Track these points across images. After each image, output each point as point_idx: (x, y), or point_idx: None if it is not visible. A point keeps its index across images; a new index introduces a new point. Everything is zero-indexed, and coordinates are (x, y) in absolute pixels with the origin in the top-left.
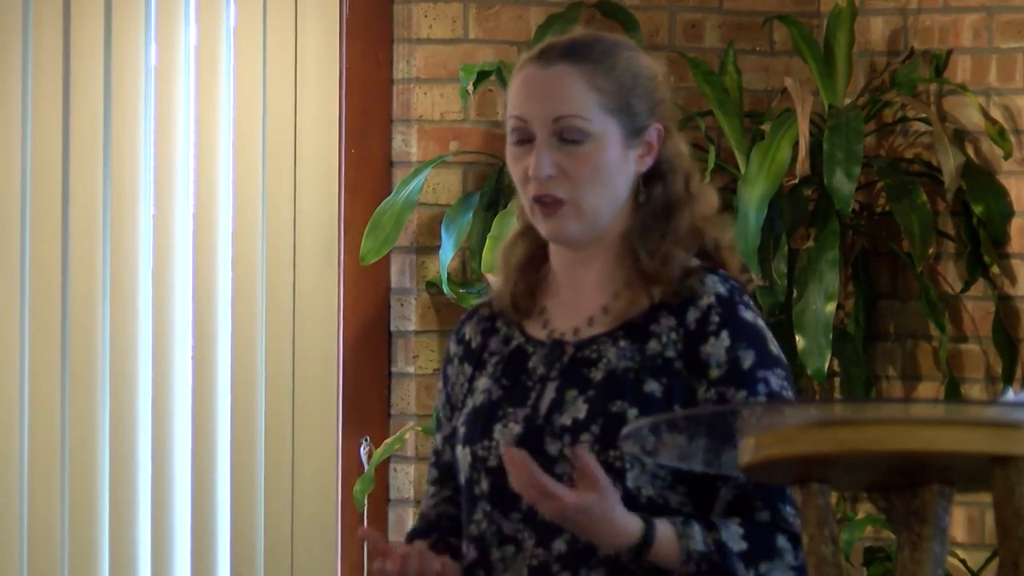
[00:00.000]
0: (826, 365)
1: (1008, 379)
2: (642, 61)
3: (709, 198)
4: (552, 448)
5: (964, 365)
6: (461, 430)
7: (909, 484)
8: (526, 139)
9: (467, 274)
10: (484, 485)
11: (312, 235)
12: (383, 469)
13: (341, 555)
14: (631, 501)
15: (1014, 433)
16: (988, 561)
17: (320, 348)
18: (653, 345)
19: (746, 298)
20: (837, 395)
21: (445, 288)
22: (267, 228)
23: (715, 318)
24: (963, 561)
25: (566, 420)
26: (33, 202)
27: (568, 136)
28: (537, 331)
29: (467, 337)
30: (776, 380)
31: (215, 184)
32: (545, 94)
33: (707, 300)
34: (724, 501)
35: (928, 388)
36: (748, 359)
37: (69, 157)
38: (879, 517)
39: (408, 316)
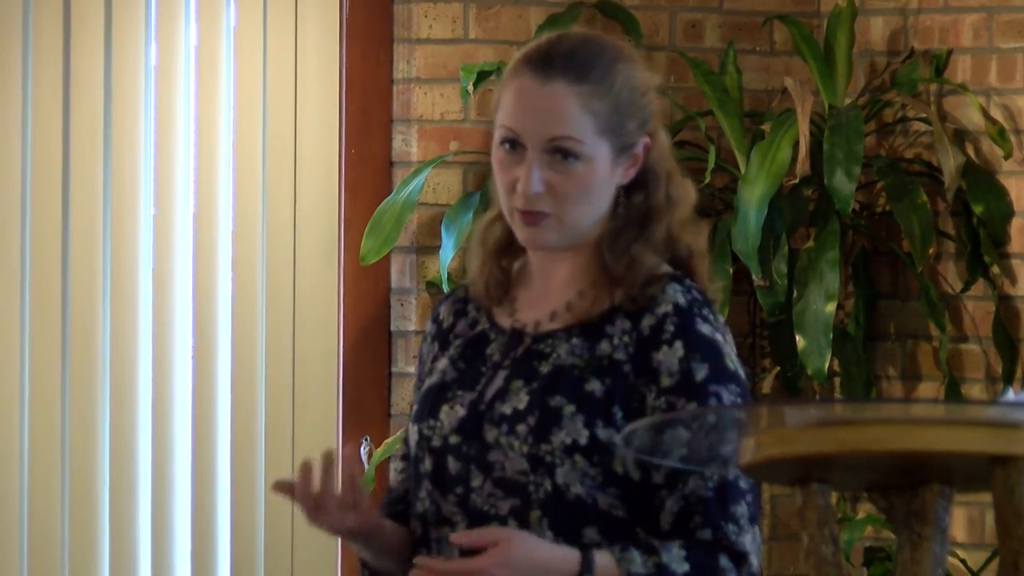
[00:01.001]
0: (826, 365)
1: (1008, 379)
2: (638, 77)
3: (687, 198)
4: (489, 435)
5: (964, 365)
6: (414, 408)
7: (909, 484)
8: (516, 147)
9: (467, 274)
10: (427, 464)
11: (312, 235)
12: (383, 469)
13: (341, 555)
14: (558, 498)
15: (1014, 433)
16: (988, 561)
17: (320, 348)
18: (604, 346)
19: (706, 311)
20: (837, 395)
21: (445, 288)
22: (267, 228)
23: (670, 327)
24: (963, 561)
25: (506, 409)
26: (33, 202)
27: (560, 156)
28: (503, 319)
29: (441, 317)
30: (728, 396)
31: (215, 184)
32: (540, 111)
33: (664, 308)
34: (671, 513)
35: (928, 388)
36: (701, 372)
37: (69, 157)
38: (879, 517)
39: (408, 316)
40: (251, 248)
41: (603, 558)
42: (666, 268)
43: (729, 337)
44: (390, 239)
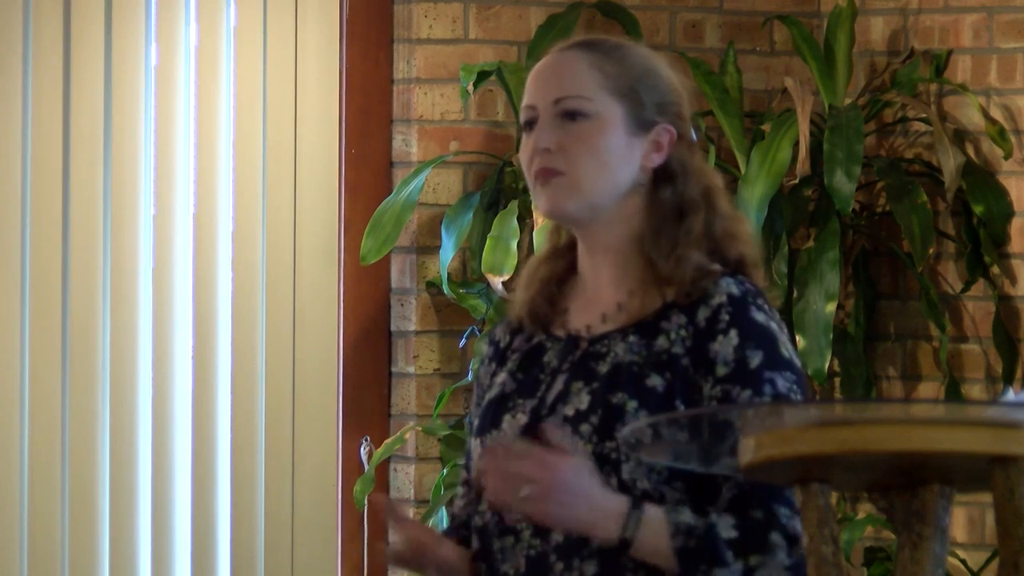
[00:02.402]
0: (826, 365)
1: (1008, 379)
2: (657, 60)
3: (740, 221)
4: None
5: (964, 365)
6: (476, 422)
7: (909, 484)
8: (532, 125)
9: (467, 274)
10: None
11: (312, 235)
12: (383, 469)
13: (341, 555)
14: (625, 493)
15: (1014, 433)
16: (988, 561)
17: (320, 348)
18: (661, 341)
19: (760, 300)
20: (837, 395)
21: (445, 288)
22: (267, 228)
23: (725, 316)
24: (963, 561)
25: (568, 410)
26: (33, 202)
27: (568, 115)
28: (558, 329)
29: (497, 338)
30: (783, 382)
31: (215, 184)
32: (550, 78)
33: (719, 299)
34: (724, 500)
35: (928, 388)
36: (756, 359)
37: (69, 157)
38: (879, 517)
39: (408, 316)
40: (251, 248)
41: (651, 507)
42: (717, 265)
43: (784, 327)
44: (390, 239)
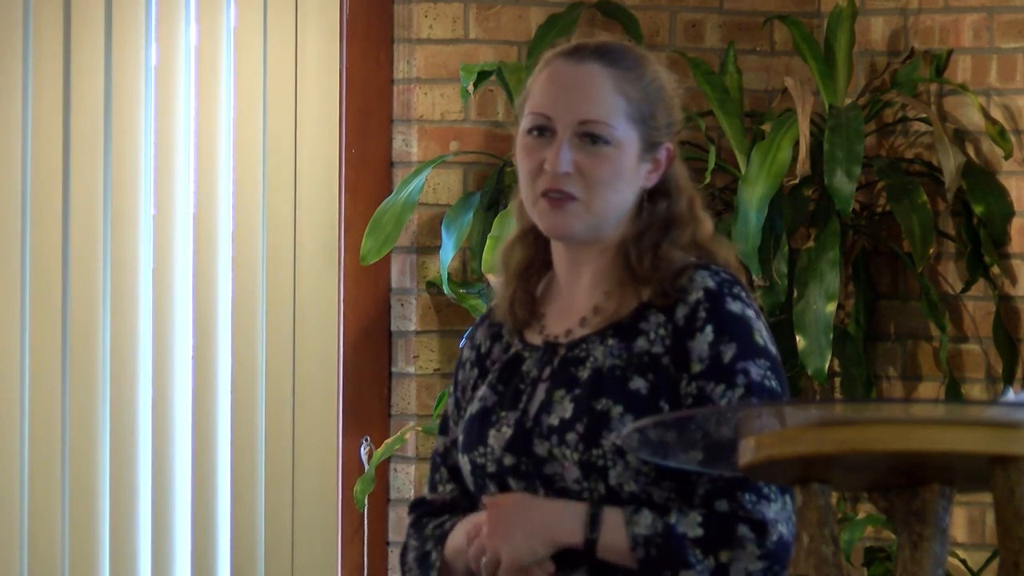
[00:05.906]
0: (826, 365)
1: (1008, 379)
2: (667, 77)
3: (708, 223)
4: (540, 449)
5: (964, 365)
6: (460, 438)
7: (909, 484)
8: (545, 133)
9: (467, 274)
10: (491, 491)
11: (312, 235)
12: (383, 469)
13: (341, 555)
14: (614, 498)
15: (1014, 433)
16: (988, 561)
17: (320, 348)
18: (641, 343)
19: (736, 289)
20: (837, 395)
21: (445, 288)
22: (267, 228)
23: (702, 313)
24: (963, 561)
25: (553, 420)
26: (33, 202)
27: (591, 139)
28: (534, 337)
29: (478, 342)
30: (757, 370)
31: (215, 184)
32: (574, 93)
33: (695, 296)
34: (699, 496)
35: (928, 388)
36: (729, 352)
37: (69, 157)
38: (880, 517)
39: (408, 316)
40: (251, 248)
41: (613, 515)
42: (691, 258)
43: (761, 314)
44: (390, 239)
